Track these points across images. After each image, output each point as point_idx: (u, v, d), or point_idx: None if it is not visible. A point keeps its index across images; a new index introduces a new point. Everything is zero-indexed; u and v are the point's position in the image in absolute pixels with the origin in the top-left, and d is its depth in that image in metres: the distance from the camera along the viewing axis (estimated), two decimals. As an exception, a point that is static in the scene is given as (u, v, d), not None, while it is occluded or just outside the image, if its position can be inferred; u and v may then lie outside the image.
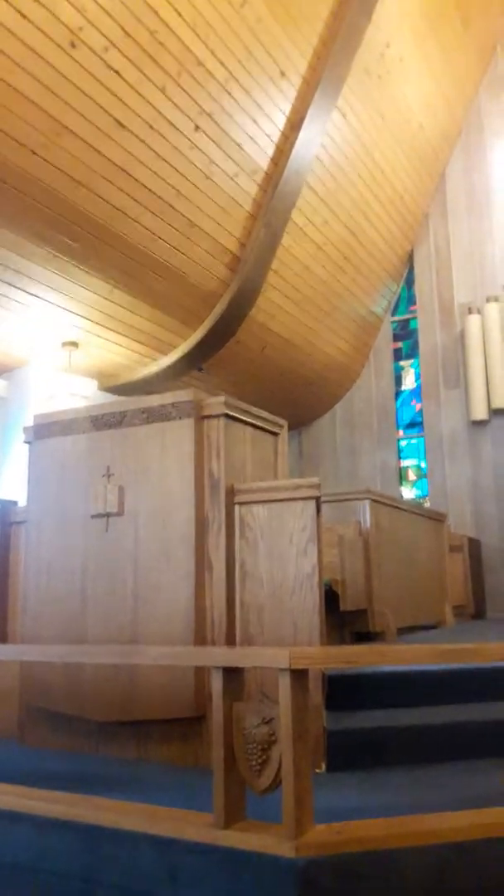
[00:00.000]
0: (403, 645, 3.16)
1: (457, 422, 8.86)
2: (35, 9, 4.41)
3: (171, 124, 5.59)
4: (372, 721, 2.93)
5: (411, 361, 9.51)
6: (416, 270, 9.42)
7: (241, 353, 7.86)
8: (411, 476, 9.37)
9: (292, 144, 6.47)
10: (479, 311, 8.70)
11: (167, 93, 5.41)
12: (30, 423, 3.41)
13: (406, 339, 9.59)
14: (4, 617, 3.54)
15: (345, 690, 3.05)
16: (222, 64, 5.66)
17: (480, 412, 8.51)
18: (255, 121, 6.19)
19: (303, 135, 6.48)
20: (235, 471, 2.98)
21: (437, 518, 6.47)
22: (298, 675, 1.93)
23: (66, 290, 6.17)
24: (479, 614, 7.66)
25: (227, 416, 2.95)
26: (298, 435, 9.92)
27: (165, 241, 6.21)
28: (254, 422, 3.14)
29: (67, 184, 5.27)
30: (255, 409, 3.15)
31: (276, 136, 6.45)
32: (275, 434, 3.30)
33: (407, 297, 9.61)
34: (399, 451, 9.42)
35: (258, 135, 6.30)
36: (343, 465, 9.61)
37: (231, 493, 2.92)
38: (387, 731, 2.84)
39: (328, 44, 6.34)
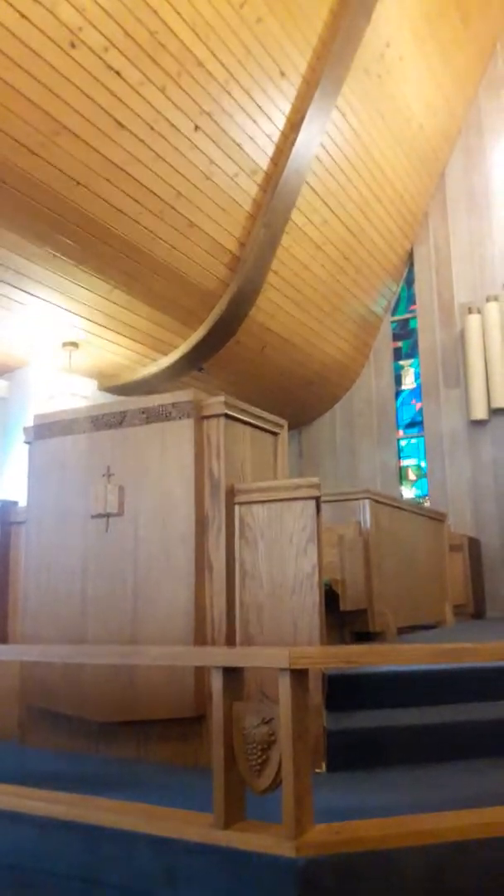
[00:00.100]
0: (403, 645, 3.16)
1: (457, 421, 8.85)
2: (35, 9, 4.42)
3: (171, 124, 5.59)
4: (372, 721, 2.93)
5: (411, 361, 9.50)
6: (416, 270, 9.42)
7: (241, 353, 7.85)
8: (411, 476, 9.37)
9: (292, 144, 6.47)
10: (478, 311, 8.69)
11: (167, 93, 5.42)
12: (30, 423, 3.41)
13: (406, 339, 9.58)
14: (4, 617, 3.54)
15: (345, 690, 3.05)
16: (222, 64, 5.66)
17: (480, 412, 8.51)
18: (254, 121, 6.19)
19: (302, 135, 6.48)
20: (235, 471, 2.98)
21: (437, 518, 6.47)
22: (298, 675, 1.93)
23: (66, 290, 6.17)
24: (478, 614, 7.66)
25: (226, 416, 2.96)
26: (298, 435, 9.91)
27: (165, 241, 6.21)
28: (254, 422, 3.15)
29: (67, 184, 5.28)
30: (254, 409, 3.15)
31: (276, 136, 6.45)
32: (275, 434, 3.31)
33: (407, 297, 9.60)
34: (399, 450, 9.42)
35: (258, 135, 6.30)
36: (343, 464, 9.61)
37: (231, 492, 2.92)
38: (387, 731, 2.84)
39: (328, 44, 6.34)
